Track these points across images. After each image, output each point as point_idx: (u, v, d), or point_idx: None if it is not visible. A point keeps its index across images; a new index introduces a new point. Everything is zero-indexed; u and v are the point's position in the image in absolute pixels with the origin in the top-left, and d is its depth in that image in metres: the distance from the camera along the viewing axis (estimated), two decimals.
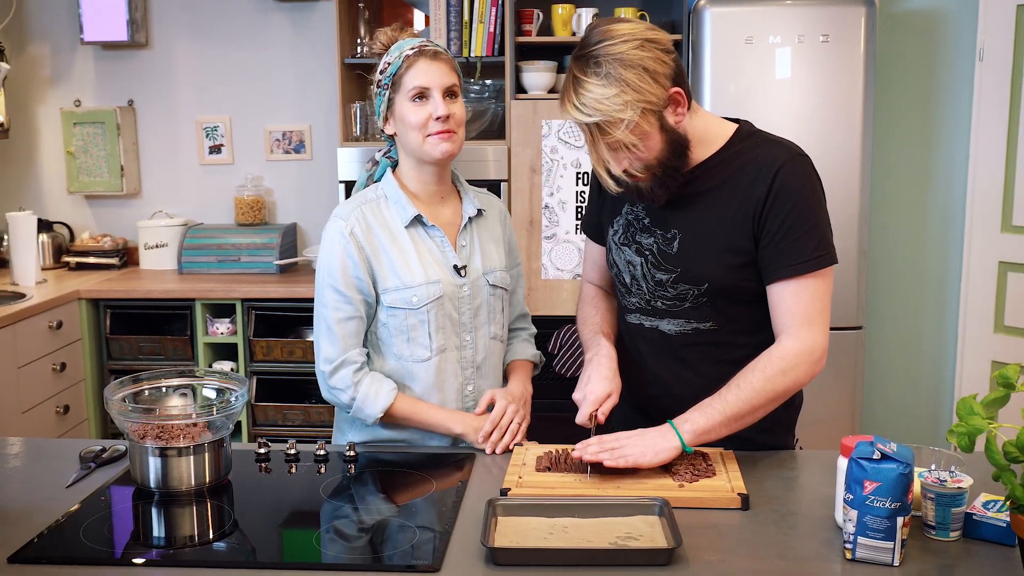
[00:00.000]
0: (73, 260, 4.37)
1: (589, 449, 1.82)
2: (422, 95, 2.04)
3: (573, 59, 1.84)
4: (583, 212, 2.25)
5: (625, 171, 1.85)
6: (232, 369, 3.98)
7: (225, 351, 4.05)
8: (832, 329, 3.67)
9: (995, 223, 3.86)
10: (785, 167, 1.89)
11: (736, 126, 1.99)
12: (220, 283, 4.01)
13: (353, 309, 2.07)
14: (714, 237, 1.93)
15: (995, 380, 1.38)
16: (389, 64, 2.07)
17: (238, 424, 4.01)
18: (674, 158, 1.87)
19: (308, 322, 4.09)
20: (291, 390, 4.00)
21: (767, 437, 2.05)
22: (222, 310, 4.01)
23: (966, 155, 4.02)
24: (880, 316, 4.26)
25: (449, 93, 2.06)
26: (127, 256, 4.46)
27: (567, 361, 3.81)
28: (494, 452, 2.04)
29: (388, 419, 2.08)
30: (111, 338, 3.98)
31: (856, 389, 3.80)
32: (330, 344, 2.07)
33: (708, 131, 1.95)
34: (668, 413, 1.90)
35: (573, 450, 1.87)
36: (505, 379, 2.27)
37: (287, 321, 4.06)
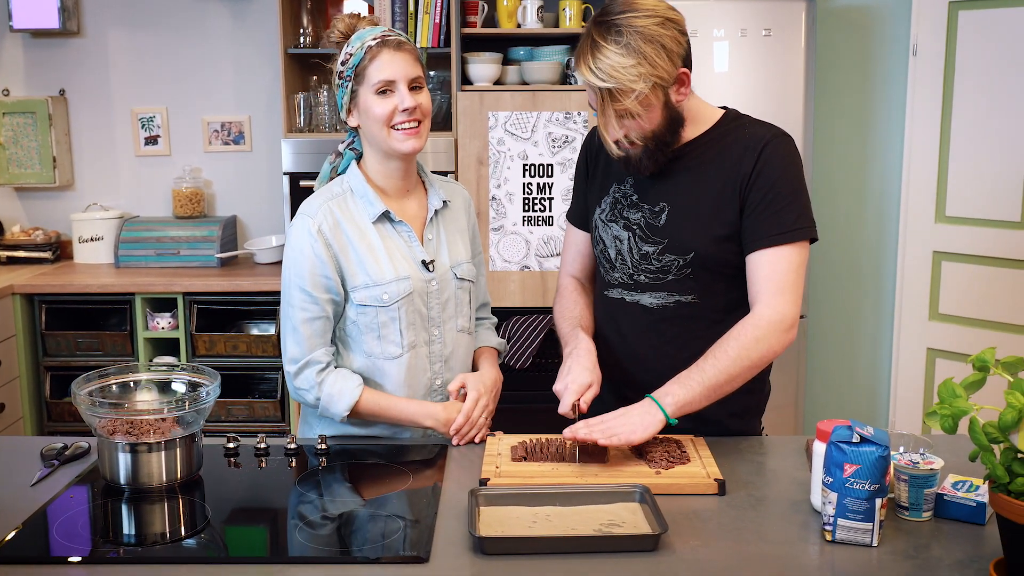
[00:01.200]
0: (3, 254, 4.23)
1: (580, 432, 1.84)
2: (387, 88, 2.02)
3: (593, 24, 1.90)
4: (570, 201, 2.29)
5: (625, 137, 1.92)
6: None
7: (166, 346, 3.97)
8: None
9: (929, 214, 3.97)
10: (771, 143, 1.98)
11: (724, 111, 2.08)
12: (160, 277, 3.93)
13: (319, 309, 2.04)
14: (701, 209, 2.00)
15: (972, 363, 1.42)
16: (351, 55, 2.03)
17: None
18: (669, 133, 1.95)
19: (251, 316, 4.04)
20: (235, 385, 3.94)
21: (739, 422, 2.10)
22: (162, 304, 3.93)
23: (901, 148, 4.12)
24: (819, 305, 4.35)
25: (414, 84, 2.04)
26: (60, 250, 4.34)
27: (515, 352, 3.82)
28: (461, 443, 2.05)
29: (356, 416, 2.06)
30: (47, 334, 3.88)
31: (800, 376, 3.88)
32: (295, 344, 2.05)
33: (699, 112, 2.04)
34: (645, 388, 1.94)
35: (560, 443, 1.88)
36: (474, 367, 2.26)
37: (230, 315, 3.99)
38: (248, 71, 4.32)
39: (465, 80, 3.88)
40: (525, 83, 3.89)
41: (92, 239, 4.25)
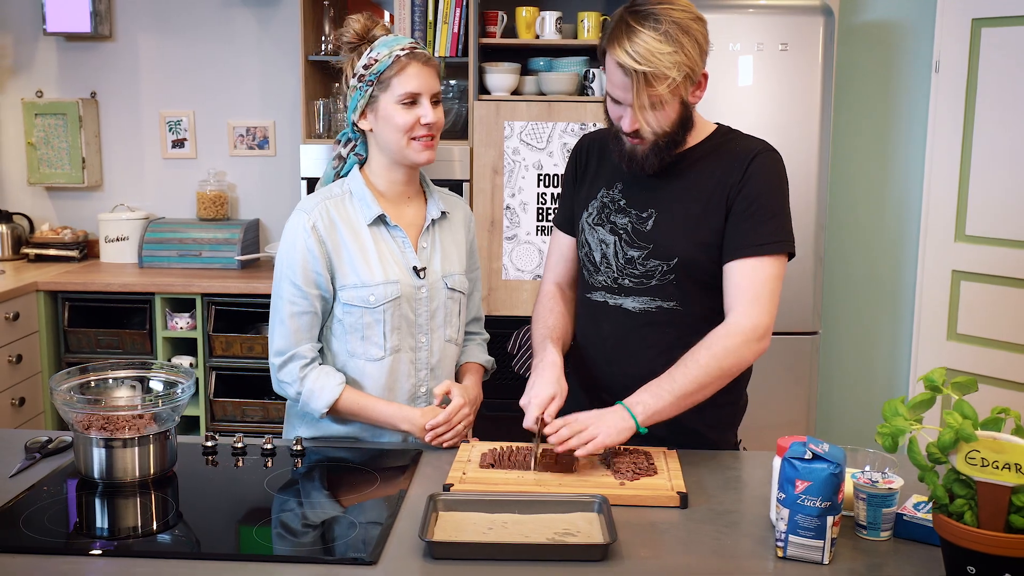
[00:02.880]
0: (32, 252, 4.33)
1: (562, 432, 1.85)
2: (412, 100, 2.05)
3: (627, 11, 1.92)
4: (556, 208, 2.30)
5: (636, 131, 1.94)
6: (191, 364, 3.97)
7: (184, 346, 4.04)
8: (787, 334, 3.76)
9: (949, 232, 3.92)
10: (759, 156, 2.01)
11: (716, 125, 2.12)
12: (180, 277, 4.00)
13: (308, 304, 2.08)
14: (688, 216, 2.02)
15: (921, 383, 1.41)
16: (376, 61, 2.05)
17: (196, 420, 4.01)
18: (679, 132, 1.98)
19: (268, 318, 4.09)
20: (250, 386, 3.99)
21: (715, 432, 2.12)
22: (182, 304, 4.00)
23: (921, 165, 4.08)
24: (836, 322, 4.31)
25: (435, 99, 2.09)
26: (87, 249, 4.44)
27: (526, 361, 3.83)
28: (433, 445, 2.07)
29: (335, 413, 2.10)
30: (69, 331, 3.96)
31: (811, 394, 3.85)
32: (281, 337, 2.09)
33: (696, 123, 2.06)
34: (621, 391, 1.96)
35: (529, 451, 1.90)
36: (458, 380, 2.28)
37: (247, 317, 4.05)
38: (273, 77, 4.39)
39: (483, 89, 3.91)
40: (543, 93, 3.91)
41: (118, 239, 4.34)
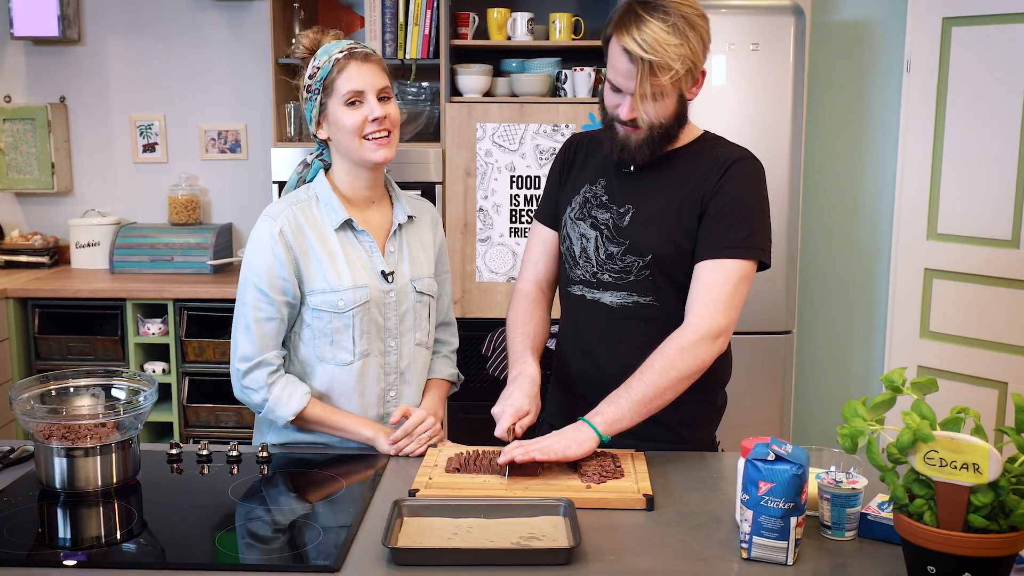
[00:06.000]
0: (2, 259, 4.29)
1: (516, 454, 1.84)
2: (356, 99, 2.04)
3: (636, 1, 1.93)
4: (539, 202, 2.31)
5: (634, 119, 1.95)
6: (164, 370, 3.94)
7: (157, 352, 4.01)
8: (761, 333, 3.76)
9: (921, 231, 3.93)
10: (738, 162, 2.03)
11: (703, 131, 2.13)
12: (152, 283, 3.97)
13: (275, 310, 2.06)
14: (664, 214, 2.03)
15: (882, 383, 1.41)
16: (319, 68, 2.06)
17: (170, 425, 3.98)
18: (674, 126, 2.00)
19: None
20: (224, 391, 3.95)
21: (689, 432, 2.12)
22: (154, 310, 3.97)
23: (894, 164, 4.10)
24: (810, 321, 4.32)
25: (382, 94, 2.07)
26: (58, 255, 4.40)
27: (500, 364, 3.82)
28: (399, 454, 2.06)
29: (300, 422, 2.08)
30: (39, 338, 3.93)
31: (786, 393, 3.85)
32: (248, 343, 2.07)
33: (687, 126, 2.08)
34: (595, 385, 1.99)
35: (496, 455, 1.89)
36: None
37: (220, 322, 4.02)
38: (244, 80, 4.36)
39: (455, 91, 3.90)
40: (515, 95, 3.90)
41: (89, 244, 4.30)
